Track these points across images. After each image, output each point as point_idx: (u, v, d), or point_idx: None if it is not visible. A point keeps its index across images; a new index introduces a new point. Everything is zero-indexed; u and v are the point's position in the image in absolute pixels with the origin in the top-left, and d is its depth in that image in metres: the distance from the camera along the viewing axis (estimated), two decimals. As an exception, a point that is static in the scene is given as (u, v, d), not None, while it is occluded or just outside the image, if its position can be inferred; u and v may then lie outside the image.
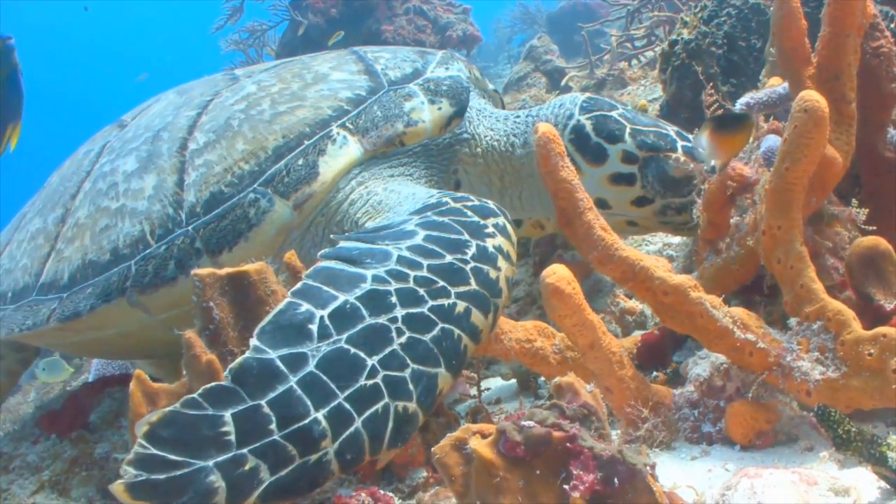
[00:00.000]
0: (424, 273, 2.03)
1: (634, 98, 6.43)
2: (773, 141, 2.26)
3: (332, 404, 1.72)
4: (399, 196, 2.64)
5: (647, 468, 1.43)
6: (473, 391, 2.66)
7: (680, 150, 2.74)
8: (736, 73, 4.13)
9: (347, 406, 1.73)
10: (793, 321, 2.01)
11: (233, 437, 1.62)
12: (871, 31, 2.31)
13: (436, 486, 1.97)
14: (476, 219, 2.23)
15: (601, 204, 2.76)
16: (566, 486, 1.39)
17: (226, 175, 2.71)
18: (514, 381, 2.93)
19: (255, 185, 2.67)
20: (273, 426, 1.66)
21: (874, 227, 2.17)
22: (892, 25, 2.67)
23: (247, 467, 1.60)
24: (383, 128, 2.76)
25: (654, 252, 3.64)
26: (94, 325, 2.87)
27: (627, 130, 2.80)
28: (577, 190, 2.13)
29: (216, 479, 1.56)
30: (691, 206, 2.70)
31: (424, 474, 2.04)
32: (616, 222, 2.83)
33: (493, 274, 2.09)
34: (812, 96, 1.90)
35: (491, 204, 2.33)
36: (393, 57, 3.07)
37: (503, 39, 15.11)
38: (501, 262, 2.13)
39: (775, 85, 2.55)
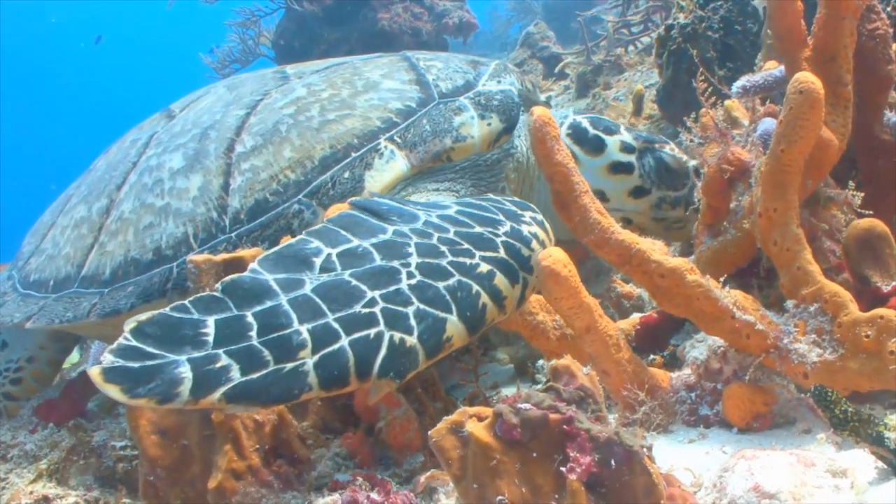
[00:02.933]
0: (450, 236, 1.99)
1: (631, 83, 6.42)
2: (769, 124, 2.25)
3: (319, 322, 1.69)
4: None
5: (644, 450, 1.43)
6: (471, 376, 2.66)
7: (673, 144, 2.80)
8: (732, 57, 4.12)
9: (335, 325, 1.69)
10: (790, 303, 2.01)
11: (210, 339, 1.62)
12: (868, 13, 2.30)
13: (433, 469, 1.97)
14: (514, 208, 2.20)
15: (599, 196, 2.72)
16: (563, 469, 1.39)
17: (271, 183, 2.69)
18: (511, 366, 2.93)
19: (299, 196, 2.65)
20: (253, 333, 1.65)
21: (871, 211, 2.17)
22: (889, 8, 2.67)
23: (218, 365, 1.58)
24: (431, 143, 2.72)
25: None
26: None
27: (622, 127, 2.93)
28: (572, 173, 2.13)
29: (184, 371, 1.55)
30: (685, 202, 2.76)
31: (422, 459, 2.04)
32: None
33: (524, 252, 2.02)
34: (807, 78, 1.89)
35: (531, 204, 2.30)
36: (445, 67, 3.03)
37: (500, 27, 15.04)
38: (535, 246, 2.06)
39: (771, 68, 2.54)
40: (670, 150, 2.85)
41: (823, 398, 1.74)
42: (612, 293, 2.97)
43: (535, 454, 1.42)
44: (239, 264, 2.08)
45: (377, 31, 8.21)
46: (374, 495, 1.75)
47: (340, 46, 8.21)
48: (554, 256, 1.91)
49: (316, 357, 1.64)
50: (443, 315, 1.80)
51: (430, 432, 1.51)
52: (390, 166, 2.67)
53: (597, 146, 2.88)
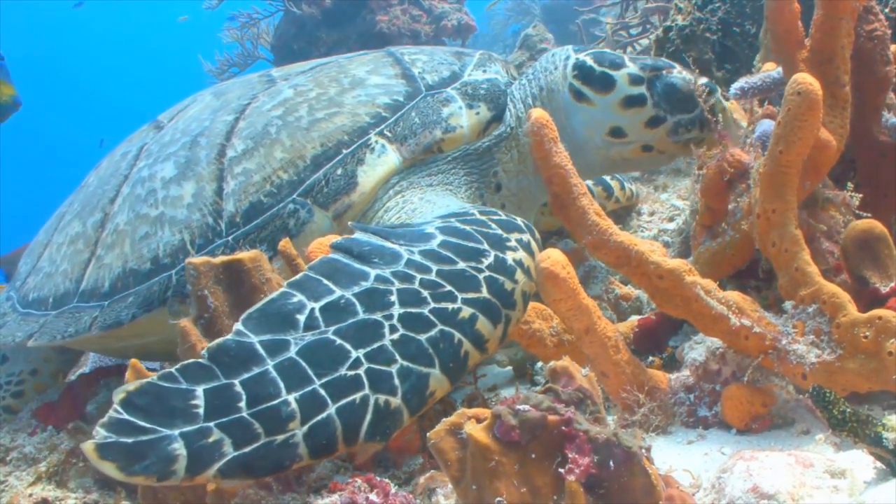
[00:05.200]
0: (432, 277, 1.99)
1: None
2: (767, 125, 2.26)
3: (306, 389, 1.72)
4: (433, 206, 2.62)
5: (643, 451, 1.43)
6: (469, 378, 2.66)
7: (678, 67, 2.79)
8: (730, 59, 4.13)
9: (322, 392, 1.73)
10: (788, 305, 2.01)
11: (201, 411, 1.65)
12: (865, 14, 2.30)
13: (432, 471, 1.96)
14: (499, 231, 2.19)
15: (616, 133, 2.78)
16: (562, 470, 1.39)
17: (265, 184, 2.70)
18: (510, 368, 2.93)
19: (294, 196, 2.65)
20: (242, 404, 1.67)
21: (869, 213, 2.17)
22: (887, 9, 2.67)
23: (210, 440, 1.61)
24: (421, 135, 2.72)
25: (650, 238, 3.65)
26: (136, 333, 2.87)
27: (626, 59, 2.83)
28: (570, 175, 2.13)
29: (179, 448, 1.58)
30: (699, 121, 2.75)
31: (421, 461, 2.04)
32: (632, 151, 2.82)
33: (508, 286, 2.04)
34: (805, 79, 1.89)
35: (519, 220, 2.29)
36: (430, 59, 3.03)
37: (498, 29, 15.04)
38: (519, 276, 2.08)
39: (770, 70, 2.54)
40: (678, 73, 2.78)
41: (822, 399, 1.74)
42: (610, 295, 2.97)
43: (533, 455, 1.42)
44: (237, 267, 2.08)
45: (376, 33, 8.20)
46: (372, 497, 1.75)
47: (339, 49, 8.19)
48: (553, 258, 1.91)
49: (305, 428, 1.69)
50: (426, 370, 1.84)
51: (428, 434, 1.51)
52: (382, 160, 2.68)
53: (606, 83, 2.78)
